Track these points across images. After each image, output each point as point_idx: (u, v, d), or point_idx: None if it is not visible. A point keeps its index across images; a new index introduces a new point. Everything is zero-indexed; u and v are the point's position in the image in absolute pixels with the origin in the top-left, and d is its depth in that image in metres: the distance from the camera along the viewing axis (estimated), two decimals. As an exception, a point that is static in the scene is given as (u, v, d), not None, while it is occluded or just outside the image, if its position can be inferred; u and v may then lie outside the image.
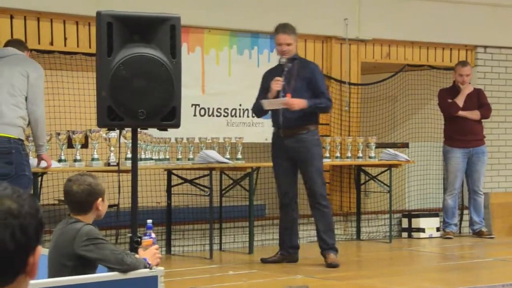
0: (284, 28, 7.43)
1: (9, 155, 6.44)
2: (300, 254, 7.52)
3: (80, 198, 4.21)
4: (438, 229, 9.74)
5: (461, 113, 9.51)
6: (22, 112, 6.56)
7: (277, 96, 7.30)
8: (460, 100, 9.52)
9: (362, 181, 9.51)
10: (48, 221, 8.06)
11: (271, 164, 9.07)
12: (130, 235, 4.65)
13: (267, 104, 7.35)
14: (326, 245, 7.33)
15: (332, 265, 7.21)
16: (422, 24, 10.03)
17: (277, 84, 7.26)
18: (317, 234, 7.44)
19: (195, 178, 8.23)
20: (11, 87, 6.50)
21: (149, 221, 4.36)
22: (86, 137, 7.58)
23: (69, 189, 4.23)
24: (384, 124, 10.62)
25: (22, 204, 1.95)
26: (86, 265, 4.06)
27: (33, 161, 7.10)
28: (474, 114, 9.57)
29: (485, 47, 10.50)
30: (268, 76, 7.47)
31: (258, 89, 7.55)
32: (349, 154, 9.09)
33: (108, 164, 7.37)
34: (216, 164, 8.01)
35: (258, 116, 7.91)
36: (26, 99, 6.55)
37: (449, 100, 9.54)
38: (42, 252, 4.42)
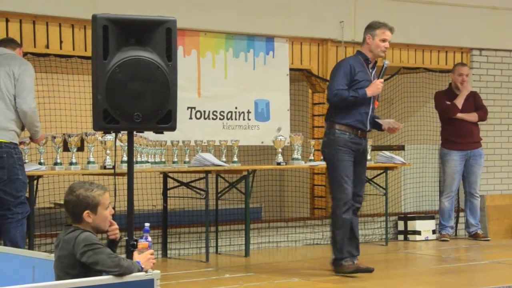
0: (389, 25, 7.22)
1: (1, 159, 6.42)
2: (296, 256, 7.51)
3: (67, 208, 4.23)
4: (434, 232, 9.75)
5: (459, 115, 9.52)
6: (14, 114, 6.52)
7: (370, 99, 7.09)
8: (459, 102, 9.54)
9: (358, 183, 9.51)
10: (44, 225, 8.06)
11: (266, 167, 9.11)
12: (126, 238, 4.64)
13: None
14: (358, 252, 7.18)
15: (370, 269, 7.07)
16: (418, 27, 10.05)
17: (381, 86, 7.10)
18: (353, 240, 7.13)
19: (191, 181, 8.22)
20: None
21: (147, 224, 4.35)
22: (82, 140, 7.57)
23: (64, 197, 4.25)
24: (380, 126, 10.61)
25: None
26: (89, 271, 4.05)
27: (29, 164, 7.11)
28: (472, 116, 9.60)
29: (481, 49, 10.52)
30: (356, 67, 7.10)
31: (339, 75, 7.04)
32: (345, 157, 9.08)
33: (104, 167, 7.36)
34: (212, 167, 8.01)
35: (337, 104, 7.05)
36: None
37: (448, 102, 9.56)
38: (49, 258, 4.44)
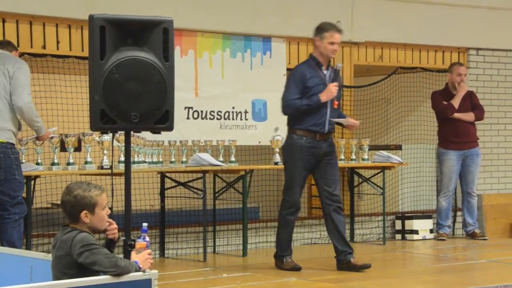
0: (338, 27, 7.23)
1: None
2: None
3: (65, 208, 4.23)
4: (431, 231, 9.76)
5: (456, 115, 9.53)
6: (11, 114, 6.52)
7: (326, 103, 7.12)
8: (456, 102, 9.55)
9: (356, 183, 9.53)
10: (41, 225, 8.05)
11: (264, 166, 9.11)
12: (123, 238, 4.64)
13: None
14: (351, 249, 7.29)
15: (367, 266, 7.20)
16: (415, 27, 10.06)
17: (335, 90, 7.11)
18: (341, 239, 7.24)
19: (189, 181, 8.23)
20: None
21: (145, 224, 4.35)
22: (79, 141, 7.57)
23: (61, 198, 4.25)
24: (377, 126, 10.64)
25: None
26: (86, 271, 4.06)
27: (26, 164, 7.10)
28: (469, 116, 9.61)
29: (478, 49, 10.53)
30: (307, 73, 7.14)
31: (290, 85, 7.11)
32: (342, 157, 9.09)
33: (101, 168, 7.36)
34: (210, 167, 8.01)
35: (291, 113, 7.17)
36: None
37: (444, 102, 9.57)
38: (46, 258, 4.44)
